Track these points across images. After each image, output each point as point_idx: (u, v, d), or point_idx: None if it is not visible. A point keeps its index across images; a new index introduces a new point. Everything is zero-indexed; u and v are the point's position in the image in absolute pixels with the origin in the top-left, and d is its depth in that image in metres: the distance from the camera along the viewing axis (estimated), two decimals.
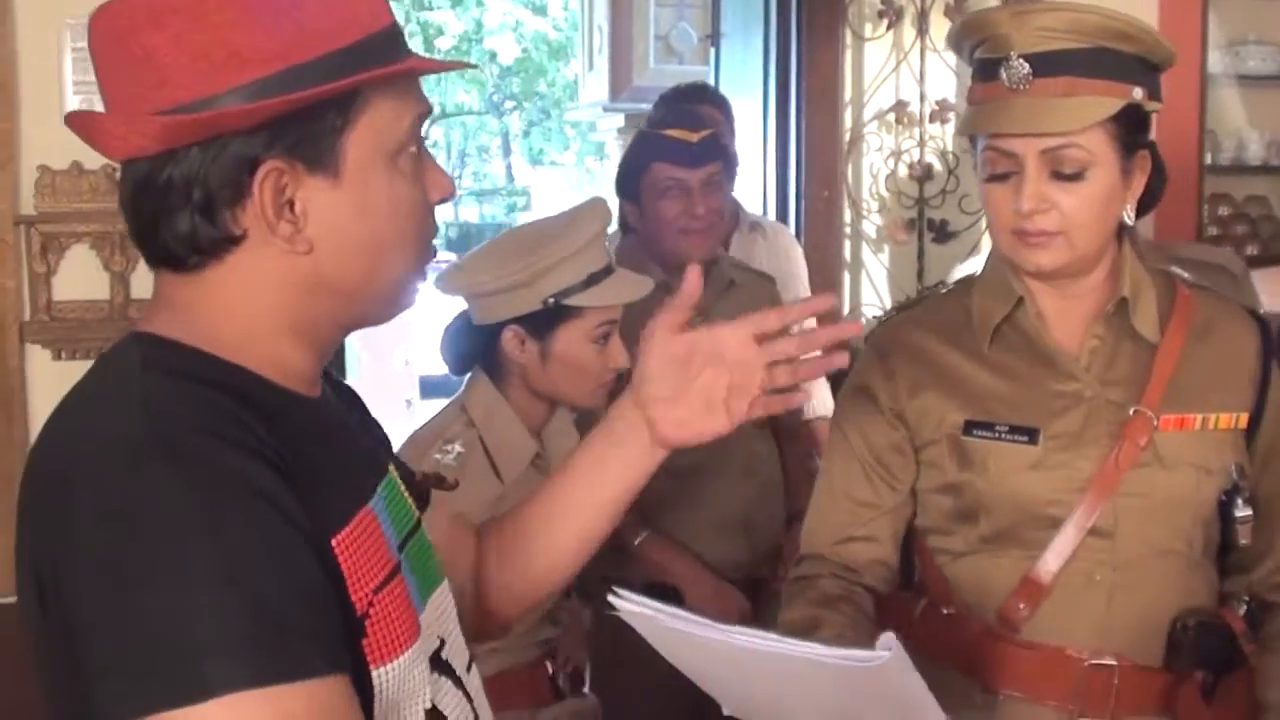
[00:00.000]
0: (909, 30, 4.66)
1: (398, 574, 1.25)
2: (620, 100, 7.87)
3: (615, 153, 8.35)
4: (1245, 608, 1.98)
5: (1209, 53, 4.64)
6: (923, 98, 4.67)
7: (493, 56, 23.33)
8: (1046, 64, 1.84)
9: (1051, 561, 1.92)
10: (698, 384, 1.49)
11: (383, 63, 1.22)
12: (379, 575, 1.22)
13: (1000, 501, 1.96)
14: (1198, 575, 1.98)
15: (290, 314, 1.25)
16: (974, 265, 3.81)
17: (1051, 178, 1.86)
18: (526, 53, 22.84)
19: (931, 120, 4.68)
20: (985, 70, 1.90)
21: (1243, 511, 1.95)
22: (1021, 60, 1.84)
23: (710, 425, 1.50)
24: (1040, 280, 1.97)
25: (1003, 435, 1.96)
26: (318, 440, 1.25)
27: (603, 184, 8.16)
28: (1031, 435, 1.94)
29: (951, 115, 4.66)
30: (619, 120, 8.23)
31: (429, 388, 10.61)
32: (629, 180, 3.21)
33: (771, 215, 4.68)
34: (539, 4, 22.59)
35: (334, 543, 1.18)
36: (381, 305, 1.31)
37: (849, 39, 4.62)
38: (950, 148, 4.72)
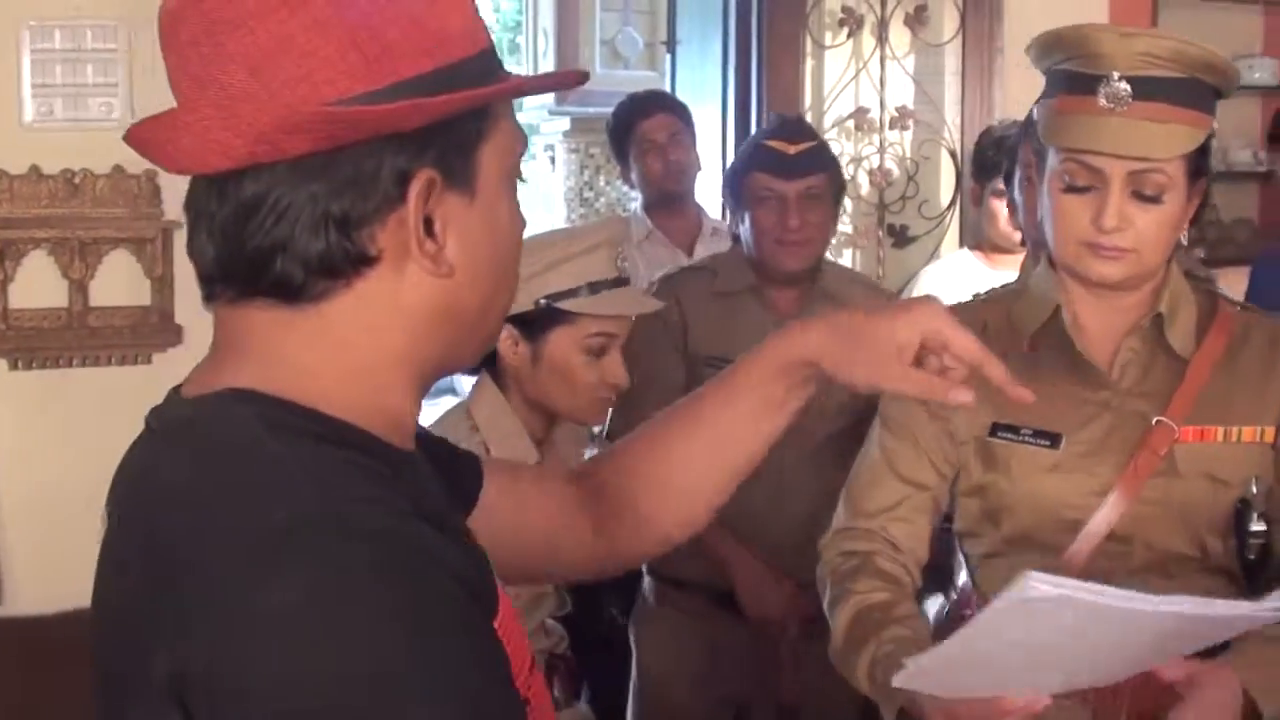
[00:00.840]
0: (869, 38, 4.70)
1: (535, 659, 1.17)
2: (566, 104, 7.81)
3: (562, 155, 8.31)
4: None
5: None
6: (883, 105, 4.71)
7: None
8: (1145, 88, 1.88)
9: (1070, 564, 1.96)
10: (877, 334, 1.43)
11: (499, 77, 1.13)
12: (527, 659, 1.14)
13: (1021, 502, 2.03)
14: (1217, 581, 2.02)
15: (409, 350, 1.12)
16: (935, 270, 3.87)
17: (1131, 197, 1.91)
18: None
19: (891, 127, 4.73)
20: (1077, 84, 1.93)
21: (1256, 525, 2.00)
22: (1124, 82, 1.88)
23: (879, 374, 1.44)
24: (1088, 290, 2.03)
25: (1026, 438, 2.02)
26: (448, 508, 1.16)
27: (538, 189, 8.10)
28: (1054, 440, 2.01)
29: (911, 122, 4.72)
30: (565, 124, 8.19)
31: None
32: (733, 187, 3.24)
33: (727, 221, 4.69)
34: None
35: (496, 625, 1.06)
36: (486, 338, 1.21)
37: (809, 46, 4.64)
38: (909, 154, 4.77)
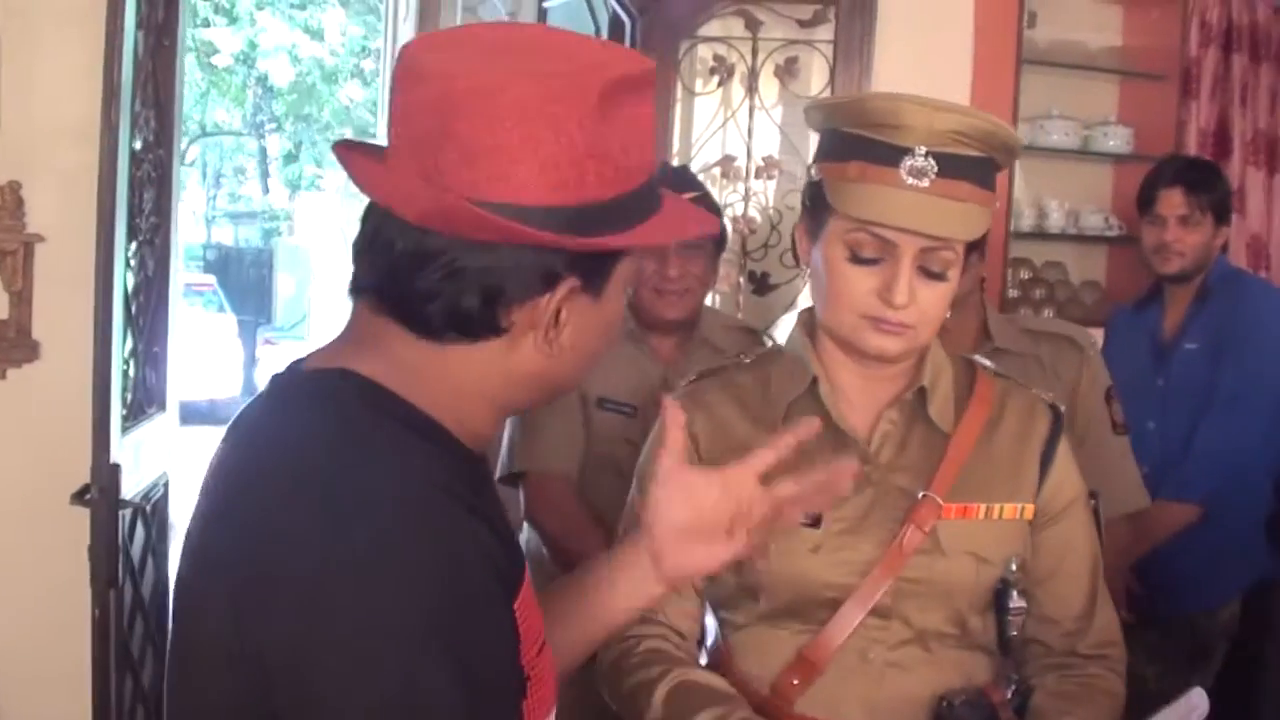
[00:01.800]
0: (738, 88, 4.75)
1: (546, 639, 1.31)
2: None
3: None
4: (1013, 688, 2.02)
5: (1016, 126, 4.82)
6: (749, 154, 4.76)
7: (264, 79, 22.93)
8: (949, 166, 1.82)
9: (828, 639, 1.93)
10: (705, 517, 1.52)
11: (654, 208, 1.31)
12: (538, 639, 1.28)
13: (780, 583, 1.95)
14: (975, 658, 2.00)
15: (505, 399, 1.32)
16: (792, 319, 3.90)
17: (918, 273, 1.86)
18: (300, 76, 22.48)
19: (757, 176, 4.77)
20: (878, 154, 1.84)
21: (1016, 603, 1.97)
22: (930, 158, 1.81)
23: (716, 555, 1.53)
24: (851, 358, 1.97)
25: None
26: (497, 503, 1.31)
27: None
28: (814, 519, 1.93)
29: (776, 172, 4.77)
30: None
31: (192, 414, 10.38)
32: None
33: None
34: (315, 29, 22.27)
35: (515, 607, 1.23)
36: (560, 397, 1.44)
37: (679, 92, 4.68)
38: (773, 204, 4.81)
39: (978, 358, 2.12)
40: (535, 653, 1.26)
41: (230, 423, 1.33)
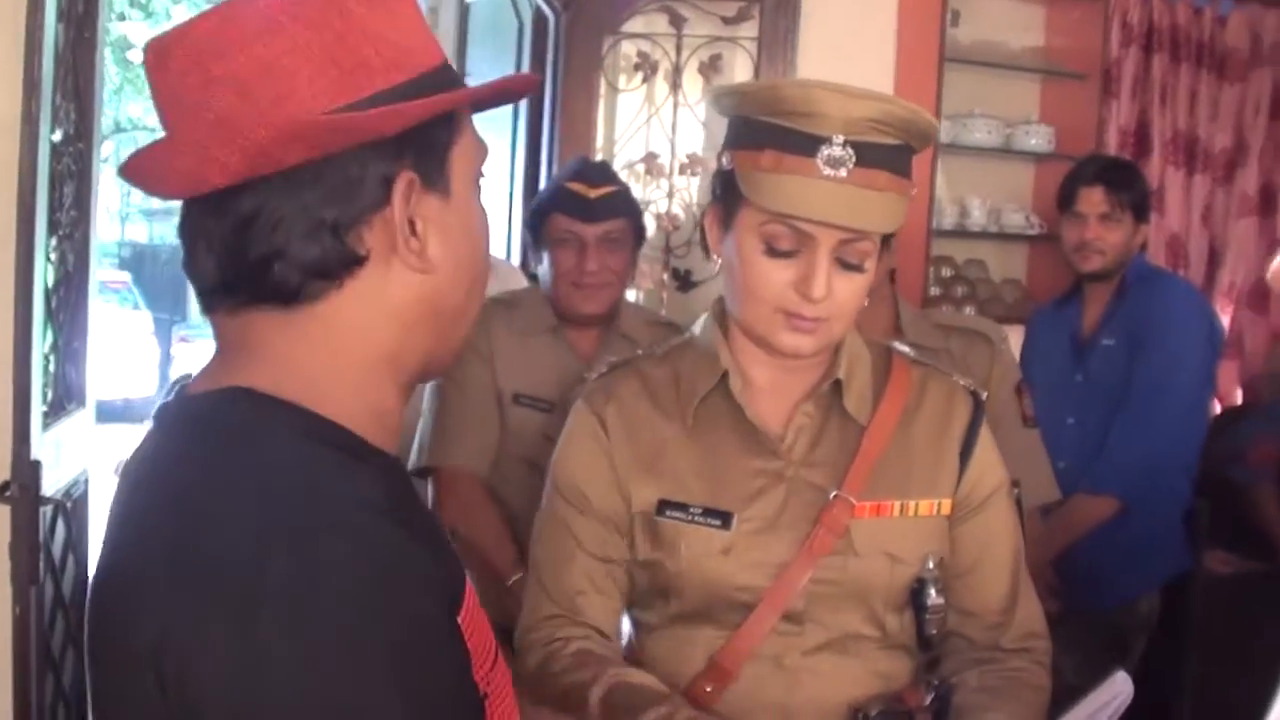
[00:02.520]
0: (662, 84, 4.74)
1: (499, 649, 1.24)
2: None
3: None
4: (930, 690, 1.94)
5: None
6: (673, 150, 4.74)
7: None
8: (866, 155, 1.76)
9: (740, 645, 1.89)
10: None
11: (461, 86, 1.22)
12: (490, 652, 1.21)
13: (691, 585, 1.91)
14: (895, 659, 1.96)
15: (397, 347, 1.21)
16: None
17: (835, 264, 1.80)
18: None
19: (680, 173, 4.75)
20: (793, 143, 1.77)
21: (934, 601, 1.92)
22: (847, 147, 1.75)
23: None
24: (763, 352, 1.92)
25: (695, 518, 1.91)
26: (426, 512, 1.23)
27: None
28: (725, 519, 1.89)
29: (700, 169, 4.75)
30: None
31: (107, 413, 10.24)
32: (533, 227, 3.20)
33: (516, 258, 4.66)
34: None
35: (460, 621, 1.15)
36: (464, 334, 1.31)
37: (603, 88, 4.65)
38: (696, 201, 4.80)
39: (896, 344, 2.07)
40: (489, 667, 1.19)
41: (129, 461, 1.21)
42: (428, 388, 3.19)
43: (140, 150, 1.17)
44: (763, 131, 1.81)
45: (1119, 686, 1.71)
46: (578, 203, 3.10)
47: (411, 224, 1.17)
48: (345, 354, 1.18)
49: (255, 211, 1.13)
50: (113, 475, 1.25)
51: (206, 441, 1.13)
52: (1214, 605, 4.32)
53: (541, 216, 3.17)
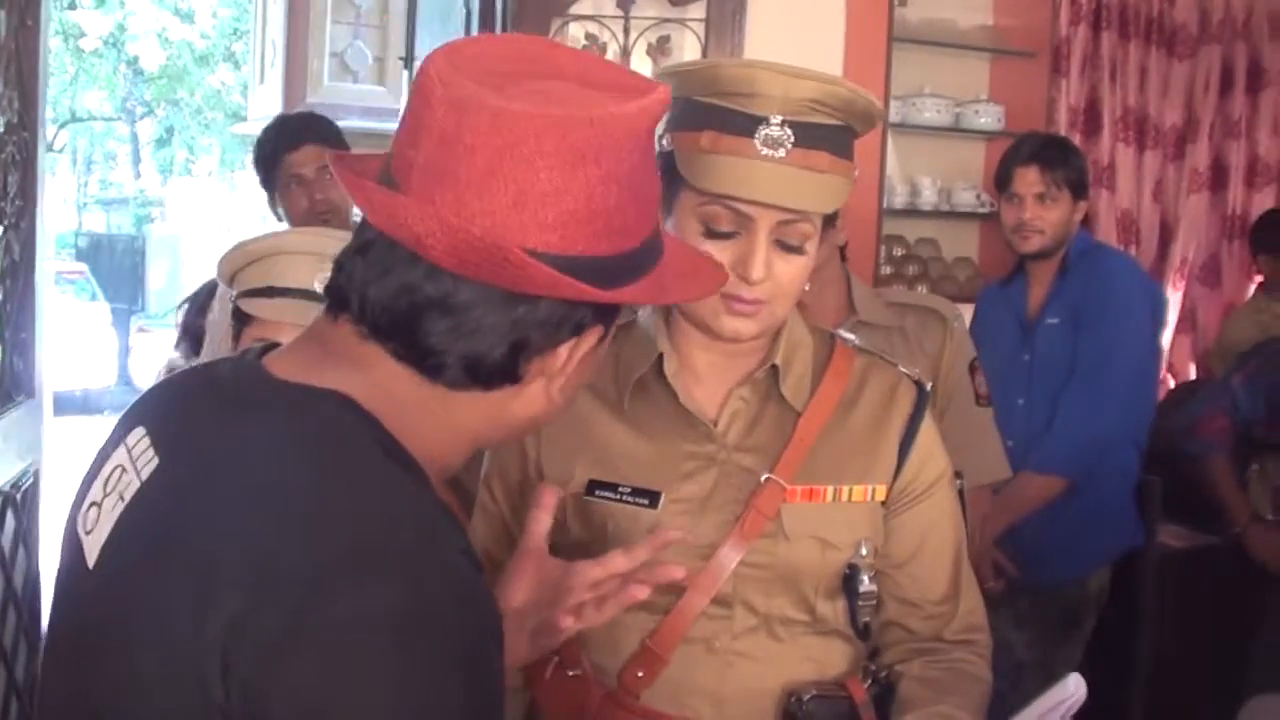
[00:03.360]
0: None
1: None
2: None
3: None
4: (871, 680, 1.94)
5: (888, 104, 4.85)
6: None
7: (134, 63, 22.55)
8: (805, 135, 1.75)
9: (670, 629, 1.87)
10: (543, 598, 1.56)
11: (655, 257, 1.26)
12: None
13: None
14: (831, 645, 1.94)
15: (489, 439, 1.28)
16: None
17: (774, 246, 1.78)
18: (171, 60, 22.13)
19: None
20: (731, 123, 1.76)
21: (866, 587, 1.91)
22: (786, 127, 1.74)
23: (549, 640, 1.58)
24: (703, 335, 1.90)
25: (624, 497, 1.90)
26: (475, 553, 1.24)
27: (245, 195, 7.96)
28: (652, 498, 1.88)
29: None
30: None
31: (65, 404, 10.19)
32: None
33: None
34: (186, 11, 21.92)
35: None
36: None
37: None
38: None
39: (841, 332, 2.04)
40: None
41: (163, 417, 1.22)
42: None
43: (353, 158, 1.22)
44: (702, 112, 1.79)
45: (1071, 689, 1.70)
46: None
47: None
48: (452, 430, 1.23)
49: (469, 306, 1.14)
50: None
51: (308, 445, 1.13)
52: (1167, 579, 4.35)
53: None
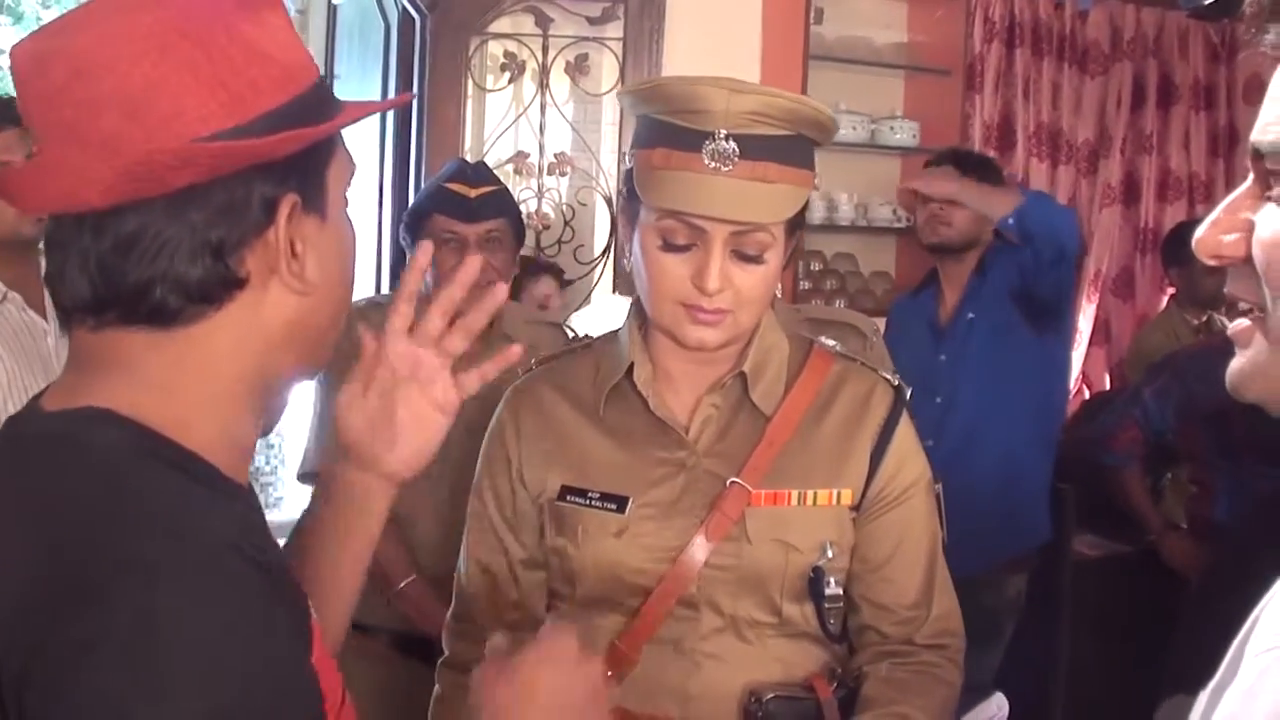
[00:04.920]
0: (529, 84, 4.73)
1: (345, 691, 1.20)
2: None
3: None
4: (838, 683, 1.95)
5: None
6: (542, 150, 4.73)
7: None
8: (751, 147, 1.79)
9: (638, 629, 1.92)
10: (393, 405, 1.45)
11: (340, 104, 1.22)
12: (338, 693, 1.18)
13: (588, 569, 1.95)
14: (801, 648, 1.97)
15: (263, 370, 1.20)
16: (586, 314, 3.90)
17: (732, 256, 1.82)
18: None
19: (549, 172, 4.75)
20: (680, 139, 1.81)
21: (832, 590, 1.94)
22: (730, 141, 1.78)
23: (428, 431, 1.47)
24: (675, 345, 1.93)
25: (593, 502, 1.94)
26: (279, 549, 1.17)
27: None
28: (620, 503, 1.93)
29: (569, 168, 4.76)
30: None
31: None
32: (412, 229, 3.17)
33: (388, 260, 4.63)
34: None
35: (313, 661, 1.11)
36: (329, 350, 1.29)
37: (471, 89, 4.64)
38: (565, 199, 4.80)
39: (822, 339, 2.09)
40: (338, 708, 1.16)
41: None
42: (315, 392, 3.17)
43: (9, 168, 1.14)
44: (655, 129, 1.85)
45: (994, 709, 1.73)
46: (458, 203, 3.09)
47: (291, 245, 1.16)
48: (215, 378, 1.17)
49: (138, 233, 1.10)
50: None
51: (68, 468, 1.09)
52: (1083, 586, 4.41)
53: (421, 218, 3.16)
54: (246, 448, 1.22)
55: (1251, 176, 1.04)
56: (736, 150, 1.78)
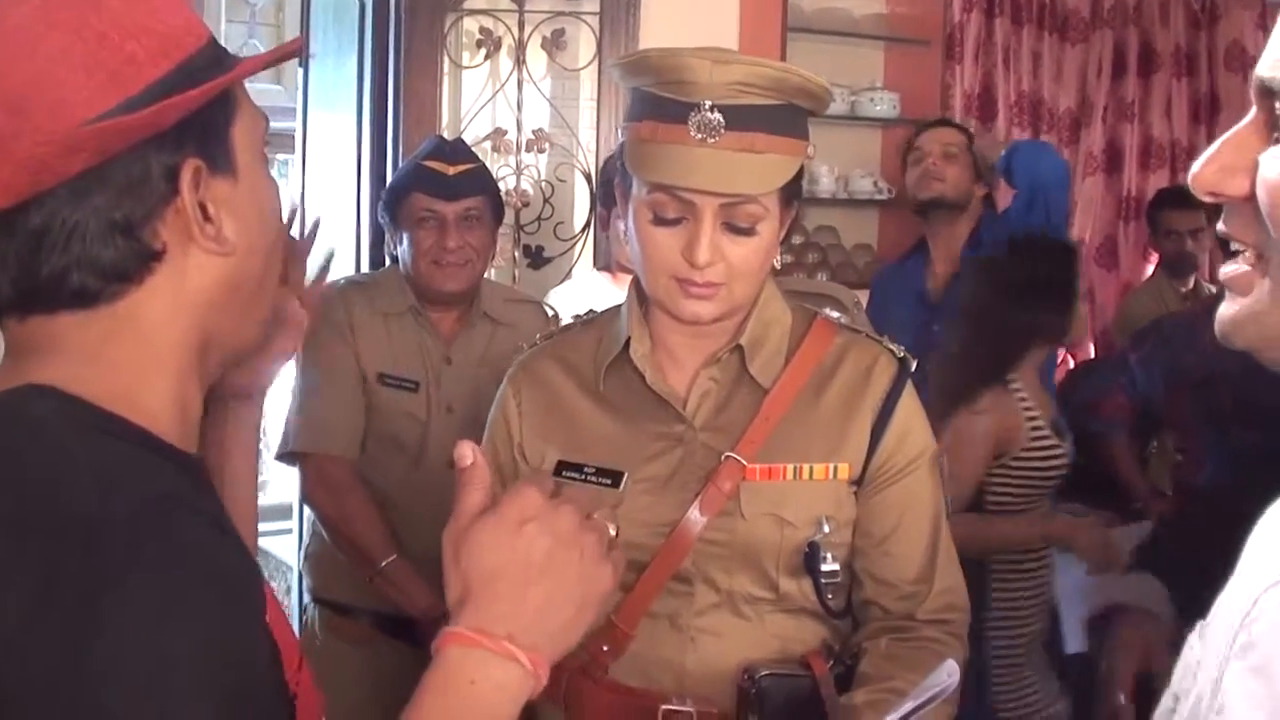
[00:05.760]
0: (506, 60, 4.70)
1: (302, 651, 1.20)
2: None
3: None
4: (835, 659, 1.94)
5: None
6: (519, 126, 4.70)
7: None
8: (738, 117, 1.77)
9: (634, 604, 1.91)
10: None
11: (232, 62, 1.21)
12: (295, 652, 1.17)
13: None
14: (799, 624, 1.97)
15: (200, 335, 1.20)
16: (565, 290, 3.87)
17: (724, 228, 1.81)
18: None
19: (528, 149, 4.72)
20: (666, 111, 1.80)
21: (828, 565, 1.92)
22: (716, 112, 1.76)
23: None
24: (672, 319, 1.93)
25: (589, 478, 1.94)
26: (225, 511, 1.17)
27: None
28: (615, 479, 1.92)
29: (547, 145, 4.73)
30: None
31: None
32: (390, 207, 3.18)
33: (366, 239, 4.61)
34: None
35: (267, 620, 1.09)
36: (266, 310, 1.30)
37: (447, 66, 4.61)
38: (544, 176, 4.78)
39: (826, 310, 2.08)
40: (295, 667, 1.14)
41: None
42: (295, 371, 3.17)
43: None
44: (643, 102, 1.85)
45: (945, 676, 1.72)
46: (437, 181, 3.10)
47: (204, 209, 1.16)
48: (149, 349, 1.17)
49: (45, 225, 1.11)
50: None
51: (9, 435, 1.10)
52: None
53: (399, 196, 3.17)
54: (192, 417, 1.22)
55: (1254, 112, 1.01)
56: (722, 121, 1.76)
